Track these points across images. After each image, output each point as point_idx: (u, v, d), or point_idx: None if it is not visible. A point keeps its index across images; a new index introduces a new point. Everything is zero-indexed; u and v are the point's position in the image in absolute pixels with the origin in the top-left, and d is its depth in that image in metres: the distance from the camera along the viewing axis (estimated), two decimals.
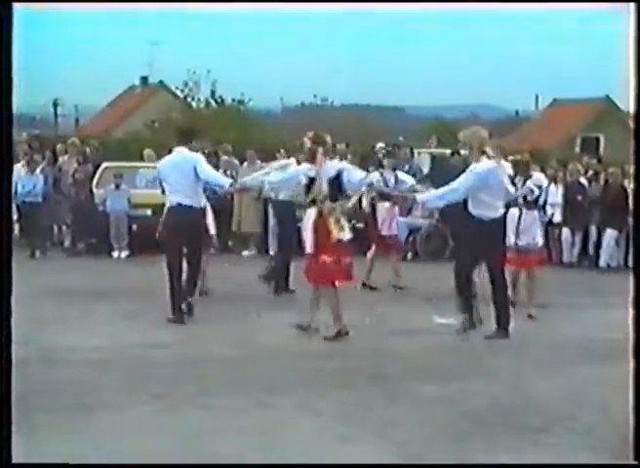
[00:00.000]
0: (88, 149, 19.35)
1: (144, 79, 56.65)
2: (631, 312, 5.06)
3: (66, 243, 17.33)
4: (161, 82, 52.33)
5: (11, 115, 4.68)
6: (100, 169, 18.03)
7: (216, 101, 40.11)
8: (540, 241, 11.50)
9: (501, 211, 9.73)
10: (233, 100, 40.20)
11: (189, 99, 40.88)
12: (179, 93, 42.21)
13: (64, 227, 17.61)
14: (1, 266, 4.59)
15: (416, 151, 19.17)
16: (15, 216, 16.94)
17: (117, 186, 16.89)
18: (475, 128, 10.09)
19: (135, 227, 16.80)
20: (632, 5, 5.14)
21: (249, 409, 6.72)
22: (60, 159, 18.56)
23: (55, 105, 53.10)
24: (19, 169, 17.40)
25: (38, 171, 17.15)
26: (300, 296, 11.75)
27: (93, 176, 17.70)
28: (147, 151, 19.95)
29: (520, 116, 63.26)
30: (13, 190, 16.33)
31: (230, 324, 10.02)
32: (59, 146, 19.27)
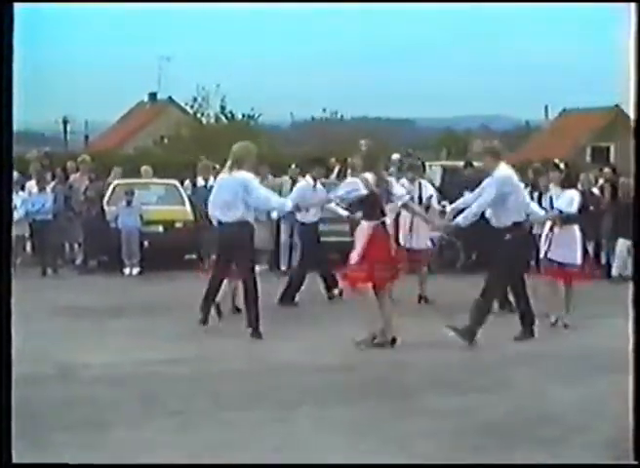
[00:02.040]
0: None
1: (153, 95, 56.79)
2: (631, 314, 5.05)
3: (78, 260, 17.32)
4: (170, 98, 52.49)
5: (11, 120, 4.66)
6: (112, 186, 18.07)
7: (226, 117, 40.21)
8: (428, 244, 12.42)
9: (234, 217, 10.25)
10: (243, 116, 40.29)
11: (199, 115, 41.01)
12: (188, 109, 42.37)
13: (76, 245, 17.61)
14: (1, 278, 4.56)
15: (427, 164, 19.05)
16: (26, 234, 17.00)
17: (128, 203, 16.86)
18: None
19: (146, 244, 16.82)
20: (632, 5, 5.11)
21: (265, 423, 6.69)
22: (72, 176, 18.53)
23: (64, 122, 53.29)
24: (31, 186, 17.46)
25: (49, 188, 17.16)
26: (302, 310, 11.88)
27: (104, 194, 17.73)
28: (145, 168, 19.71)
29: (530, 126, 63.33)
30: (24, 209, 16.40)
31: (243, 338, 9.98)
32: (69, 164, 19.26)
